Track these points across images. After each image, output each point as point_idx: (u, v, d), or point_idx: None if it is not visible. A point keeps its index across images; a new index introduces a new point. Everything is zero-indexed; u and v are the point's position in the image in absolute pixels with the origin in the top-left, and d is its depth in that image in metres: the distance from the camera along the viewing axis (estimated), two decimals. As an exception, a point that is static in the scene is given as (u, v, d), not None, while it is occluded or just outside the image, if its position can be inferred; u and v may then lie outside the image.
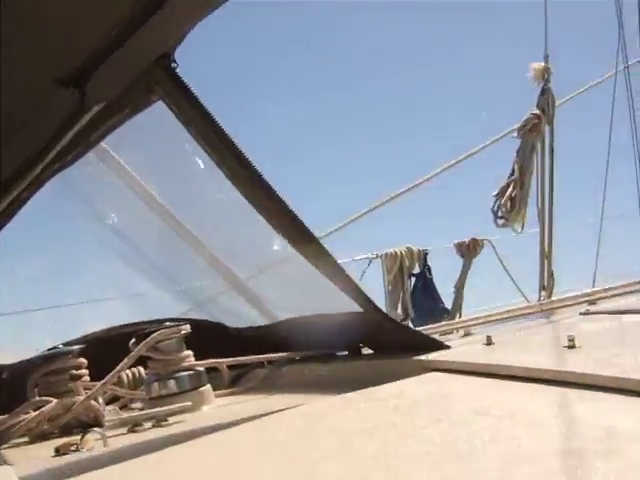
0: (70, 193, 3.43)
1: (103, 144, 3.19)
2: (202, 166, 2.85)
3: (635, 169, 6.21)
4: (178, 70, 2.58)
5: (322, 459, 1.70)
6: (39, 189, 3.06)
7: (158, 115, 2.77)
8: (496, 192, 5.86)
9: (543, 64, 5.73)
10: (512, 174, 5.77)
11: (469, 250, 6.24)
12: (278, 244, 2.90)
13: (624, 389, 1.79)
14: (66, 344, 3.27)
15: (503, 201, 5.76)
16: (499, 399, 1.98)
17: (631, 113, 6.10)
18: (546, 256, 5.76)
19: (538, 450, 1.46)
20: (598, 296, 3.60)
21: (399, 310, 6.13)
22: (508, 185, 5.78)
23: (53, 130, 2.73)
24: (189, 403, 2.76)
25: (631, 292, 3.68)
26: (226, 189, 2.72)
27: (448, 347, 2.58)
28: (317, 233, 2.91)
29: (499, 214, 5.87)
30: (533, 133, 5.68)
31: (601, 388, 1.84)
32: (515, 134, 5.86)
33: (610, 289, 3.82)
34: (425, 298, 6.22)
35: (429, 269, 6.33)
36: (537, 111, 5.68)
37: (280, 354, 3.06)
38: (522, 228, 5.94)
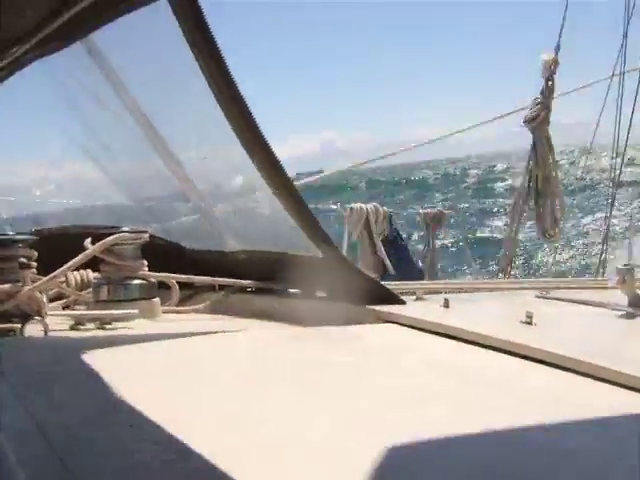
0: (51, 83, 3.32)
1: (94, 38, 3.07)
2: (192, 83, 2.76)
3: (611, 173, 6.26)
4: None
5: (267, 383, 1.69)
6: (18, 70, 2.95)
7: (155, 20, 2.66)
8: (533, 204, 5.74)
9: (553, 55, 5.71)
10: (529, 183, 5.64)
11: (434, 219, 6.26)
12: (250, 175, 2.85)
13: (569, 367, 1.82)
14: (18, 233, 3.18)
15: (549, 223, 5.66)
16: (448, 357, 1.98)
17: (618, 117, 6.12)
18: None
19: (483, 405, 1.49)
20: (554, 286, 3.64)
21: (372, 269, 6.10)
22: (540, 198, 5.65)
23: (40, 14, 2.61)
24: (136, 311, 2.71)
25: (584, 288, 3.74)
26: (210, 110, 2.65)
27: (404, 302, 2.58)
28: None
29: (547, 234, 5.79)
30: (544, 124, 5.65)
31: (552, 365, 1.87)
32: (522, 124, 5.78)
33: (566, 281, 3.87)
34: (401, 260, 6.20)
35: (399, 233, 6.33)
36: (544, 101, 5.65)
37: (232, 280, 3.02)
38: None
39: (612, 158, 6.28)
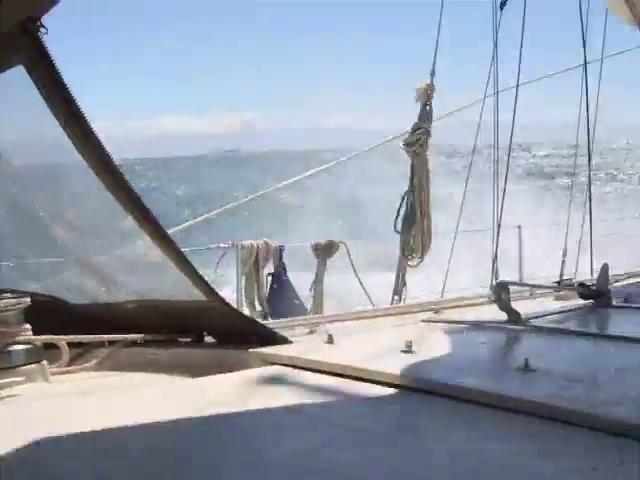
0: None
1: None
2: (56, 137, 2.75)
3: (494, 190, 6.44)
4: (45, 37, 2.46)
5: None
6: None
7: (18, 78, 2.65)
8: (400, 227, 5.84)
9: (428, 82, 5.87)
10: (410, 207, 5.75)
11: (325, 251, 6.32)
12: (130, 226, 2.85)
13: (447, 394, 1.90)
14: None
15: (413, 242, 5.75)
16: (319, 399, 2.04)
17: (495, 137, 6.33)
18: (402, 266, 5.91)
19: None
20: (441, 306, 3.76)
21: (257, 306, 6.12)
22: (414, 218, 5.74)
23: None
24: (21, 378, 2.67)
25: (469, 305, 3.88)
26: (78, 164, 2.64)
27: (290, 342, 2.62)
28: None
29: (409, 254, 5.88)
30: (423, 149, 5.77)
31: (428, 392, 1.95)
32: (402, 147, 5.90)
33: (451, 300, 4.00)
34: (283, 297, 6.24)
35: (284, 268, 6.36)
36: (424, 126, 5.79)
37: (122, 335, 3.00)
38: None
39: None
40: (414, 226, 5.67)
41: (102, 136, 2.49)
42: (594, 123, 6.37)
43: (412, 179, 5.77)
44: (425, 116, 5.91)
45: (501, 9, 6.59)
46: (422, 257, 5.76)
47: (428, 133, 5.86)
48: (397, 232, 5.82)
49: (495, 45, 6.53)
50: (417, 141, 5.85)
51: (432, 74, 5.97)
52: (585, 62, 6.36)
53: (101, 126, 2.56)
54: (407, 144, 5.92)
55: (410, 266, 5.81)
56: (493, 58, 6.64)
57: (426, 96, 5.90)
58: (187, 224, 6.36)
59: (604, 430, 1.61)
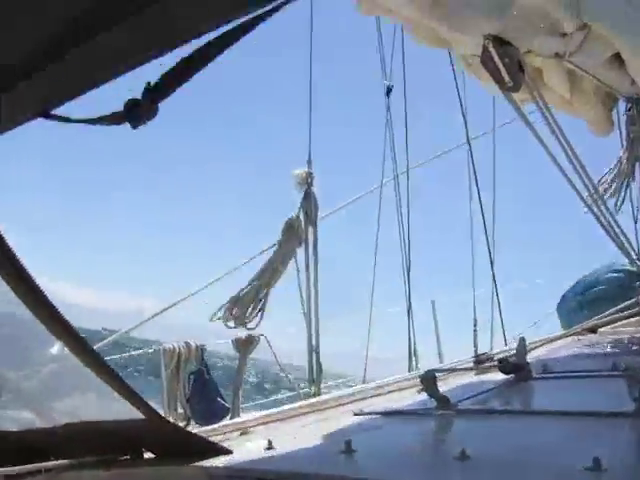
0: None
1: None
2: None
3: (403, 269, 6.63)
4: None
5: None
6: None
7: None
8: (232, 299, 5.89)
9: (306, 169, 6.00)
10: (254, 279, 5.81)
11: (245, 345, 6.34)
12: (55, 348, 2.82)
13: None
14: None
15: (241, 310, 5.78)
16: None
17: (399, 218, 6.55)
18: (314, 351, 5.97)
19: None
20: (369, 394, 3.81)
21: (179, 409, 6.07)
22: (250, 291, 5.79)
23: None
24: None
25: (395, 390, 3.95)
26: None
27: (230, 452, 2.61)
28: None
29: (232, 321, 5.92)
30: (293, 237, 5.82)
31: None
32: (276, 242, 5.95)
33: (378, 387, 4.06)
34: (204, 398, 6.20)
35: (207, 367, 6.34)
36: (294, 215, 5.86)
37: (58, 462, 2.93)
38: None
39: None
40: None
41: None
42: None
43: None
44: (303, 203, 5.97)
45: (387, 95, 6.91)
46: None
47: (292, 223, 5.91)
48: None
49: (390, 126, 6.82)
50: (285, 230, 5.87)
51: (309, 162, 6.11)
52: (468, 139, 6.70)
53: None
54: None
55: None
56: (386, 141, 6.93)
57: (306, 183, 6.00)
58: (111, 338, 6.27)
59: None
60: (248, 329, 6.07)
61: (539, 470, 2.04)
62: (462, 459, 2.11)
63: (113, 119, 1.90)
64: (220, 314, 5.84)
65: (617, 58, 4.48)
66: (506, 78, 3.37)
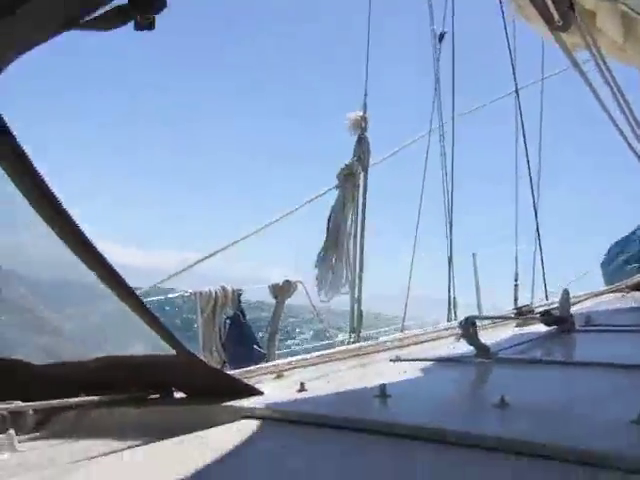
0: None
1: None
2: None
3: (446, 222, 6.54)
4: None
5: None
6: None
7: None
8: (315, 263, 5.85)
9: (360, 113, 5.90)
10: (328, 235, 5.74)
11: (282, 291, 6.30)
12: (89, 281, 2.78)
13: (426, 437, 1.88)
14: None
15: (326, 275, 5.74)
16: (299, 452, 1.99)
17: (444, 173, 6.44)
18: (357, 300, 5.93)
19: None
20: (406, 342, 3.75)
21: (214, 354, 6.06)
22: (326, 252, 5.74)
23: None
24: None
25: (433, 339, 3.88)
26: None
27: (261, 393, 2.57)
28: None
29: (324, 289, 5.88)
30: (349, 181, 5.76)
31: (406, 436, 1.92)
32: (335, 183, 5.90)
33: (416, 335, 3.99)
34: (240, 343, 6.20)
35: (243, 312, 6.32)
36: (350, 161, 5.79)
37: (88, 398, 2.92)
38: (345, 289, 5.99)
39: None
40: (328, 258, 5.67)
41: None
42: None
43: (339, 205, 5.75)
44: (357, 148, 5.90)
45: (440, 42, 6.73)
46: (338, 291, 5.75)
47: (349, 167, 5.83)
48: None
49: (437, 80, 6.66)
50: (341, 174, 5.80)
51: (364, 106, 6.01)
52: (517, 89, 6.52)
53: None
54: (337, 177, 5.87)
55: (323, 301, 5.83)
56: (435, 90, 6.76)
57: (360, 128, 5.91)
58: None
59: (588, 463, 1.60)
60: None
61: (582, 421, 1.96)
62: (501, 406, 2.05)
63: (117, 16, 1.80)
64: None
65: (675, 4, 4.29)
66: (555, 16, 3.22)
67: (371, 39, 6.24)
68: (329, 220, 5.71)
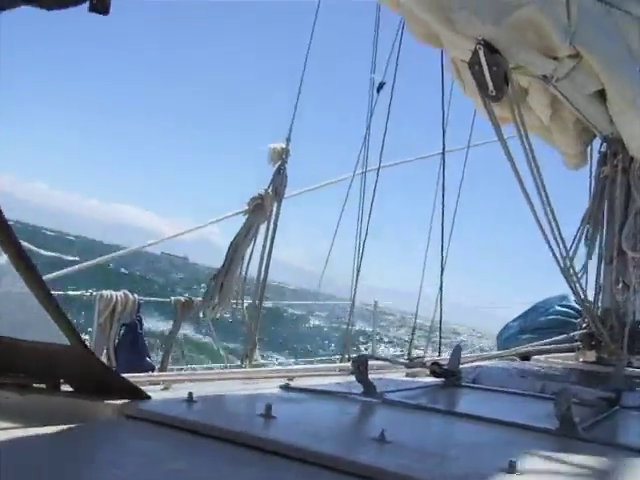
0: None
1: None
2: None
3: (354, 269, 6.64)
4: None
5: None
6: None
7: None
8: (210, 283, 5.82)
9: (283, 145, 5.95)
10: (223, 265, 5.72)
11: (183, 307, 6.27)
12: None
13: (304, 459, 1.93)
14: None
15: (212, 295, 5.70)
16: (176, 455, 2.02)
17: (360, 214, 6.55)
18: (252, 328, 5.94)
19: None
20: (299, 373, 3.81)
21: (104, 358, 5.97)
22: (220, 276, 5.71)
23: None
24: None
25: (329, 374, 3.96)
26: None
27: (148, 397, 2.58)
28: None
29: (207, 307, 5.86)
30: (259, 212, 5.75)
31: (284, 456, 1.97)
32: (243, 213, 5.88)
33: (306, 369, 4.07)
34: (132, 351, 6.13)
35: (141, 321, 6.28)
36: (263, 191, 5.81)
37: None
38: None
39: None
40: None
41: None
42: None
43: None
44: (275, 178, 5.93)
45: (378, 92, 6.89)
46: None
47: (261, 197, 5.84)
48: None
49: (368, 127, 6.80)
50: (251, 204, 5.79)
51: (288, 138, 6.07)
52: (444, 150, 6.74)
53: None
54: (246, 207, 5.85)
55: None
56: (365, 139, 6.90)
57: (280, 158, 5.96)
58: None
59: None
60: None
61: (456, 463, 2.05)
62: (380, 441, 2.12)
63: None
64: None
65: (601, 95, 4.53)
66: (490, 86, 3.38)
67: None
68: (230, 246, 5.71)
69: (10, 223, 2.39)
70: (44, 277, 2.65)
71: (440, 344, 6.80)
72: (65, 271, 6.00)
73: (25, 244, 2.66)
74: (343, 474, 1.85)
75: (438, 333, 6.98)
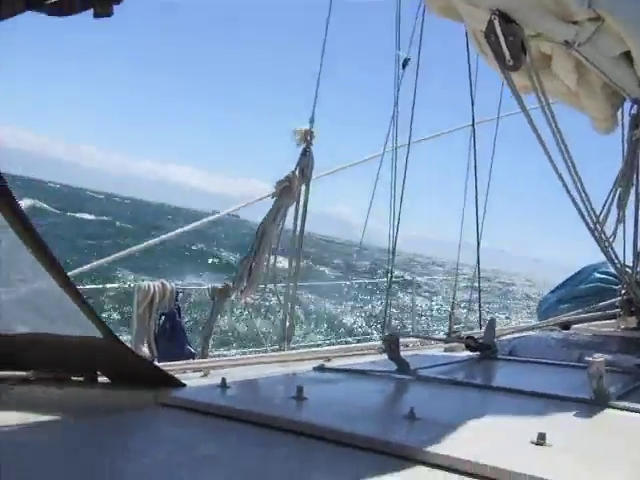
0: None
1: None
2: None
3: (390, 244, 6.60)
4: None
5: None
6: None
7: None
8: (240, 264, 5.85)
9: (307, 127, 5.93)
10: (253, 243, 5.74)
11: (220, 294, 6.31)
12: (22, 258, 2.79)
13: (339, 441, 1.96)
14: None
15: (241, 279, 5.73)
16: (211, 441, 2.05)
17: (393, 192, 6.51)
18: (288, 312, 5.97)
19: None
20: (333, 354, 3.84)
21: (145, 348, 6.06)
22: (248, 260, 5.73)
23: None
24: None
25: (363, 354, 3.99)
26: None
27: (183, 385, 2.63)
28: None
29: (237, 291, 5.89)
30: (287, 194, 5.76)
31: (315, 437, 2.00)
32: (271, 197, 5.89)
33: (343, 349, 4.09)
34: (171, 340, 6.22)
35: (179, 310, 6.35)
36: (291, 173, 5.81)
37: (11, 372, 2.92)
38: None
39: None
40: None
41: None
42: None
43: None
44: (301, 160, 5.93)
45: (403, 68, 6.84)
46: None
47: (289, 180, 5.84)
48: None
49: (396, 103, 6.76)
50: (279, 187, 5.80)
51: (311, 121, 6.04)
52: (473, 122, 6.68)
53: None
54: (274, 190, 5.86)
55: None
56: (393, 116, 6.87)
57: (305, 140, 5.95)
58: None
59: (486, 478, 1.69)
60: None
61: (487, 439, 2.06)
62: (410, 419, 2.14)
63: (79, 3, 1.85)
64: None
65: (627, 57, 4.45)
66: (507, 55, 3.34)
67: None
68: (258, 230, 5.72)
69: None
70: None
71: (480, 317, 6.77)
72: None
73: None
74: (375, 453, 1.88)
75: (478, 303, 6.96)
